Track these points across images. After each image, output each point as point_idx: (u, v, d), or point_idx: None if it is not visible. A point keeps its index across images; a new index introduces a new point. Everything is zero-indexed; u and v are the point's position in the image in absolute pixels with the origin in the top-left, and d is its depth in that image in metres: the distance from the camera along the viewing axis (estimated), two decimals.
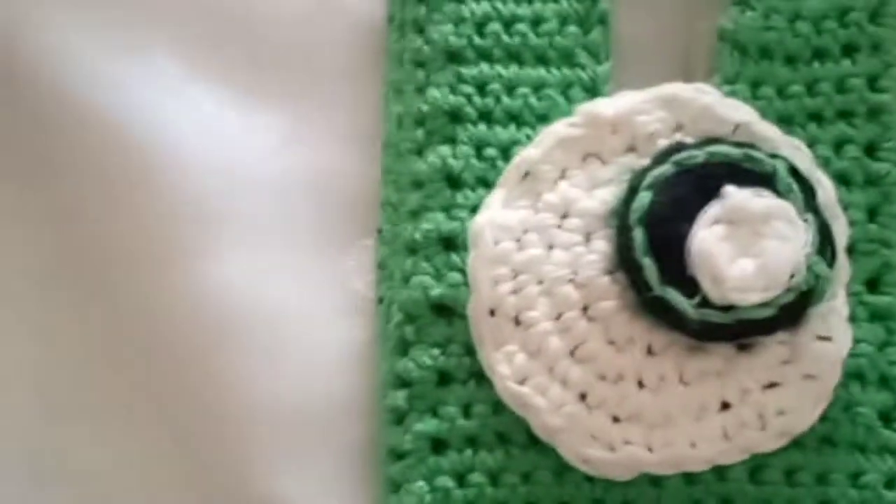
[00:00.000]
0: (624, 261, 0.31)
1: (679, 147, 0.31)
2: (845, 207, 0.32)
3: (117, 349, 0.33)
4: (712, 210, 0.30)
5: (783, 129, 0.32)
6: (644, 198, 0.31)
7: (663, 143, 0.32)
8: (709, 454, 0.31)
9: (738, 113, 0.32)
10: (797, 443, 0.31)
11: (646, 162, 0.32)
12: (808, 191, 0.31)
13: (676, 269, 0.30)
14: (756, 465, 0.31)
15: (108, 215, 0.33)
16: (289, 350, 0.33)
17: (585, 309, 0.31)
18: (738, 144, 0.31)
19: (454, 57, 0.33)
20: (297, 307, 0.33)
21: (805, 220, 0.30)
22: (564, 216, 0.32)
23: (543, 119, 0.33)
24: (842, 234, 0.32)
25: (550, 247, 0.32)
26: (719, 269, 0.30)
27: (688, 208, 0.30)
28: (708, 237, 0.30)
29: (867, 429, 0.31)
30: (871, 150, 0.33)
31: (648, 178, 0.31)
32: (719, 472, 0.31)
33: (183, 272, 0.33)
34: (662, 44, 0.35)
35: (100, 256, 0.33)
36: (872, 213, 0.33)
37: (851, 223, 0.32)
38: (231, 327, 0.33)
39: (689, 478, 0.31)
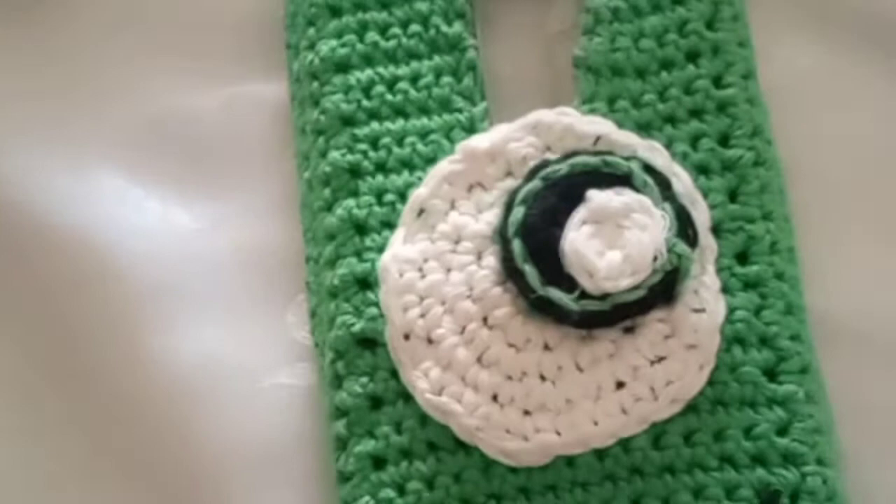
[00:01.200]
0: (509, 270, 0.34)
1: (545, 163, 0.35)
2: (706, 193, 0.36)
3: (90, 419, 0.37)
4: (579, 214, 0.34)
5: (643, 135, 0.37)
6: (518, 212, 0.34)
7: (533, 163, 0.36)
8: (611, 429, 0.34)
9: (596, 127, 0.36)
10: (691, 407, 0.34)
11: (520, 182, 0.36)
12: (663, 183, 0.35)
13: (554, 270, 0.34)
14: (657, 434, 0.34)
15: (74, 304, 0.37)
16: (245, 399, 0.37)
17: (485, 319, 0.35)
18: (597, 153, 0.35)
19: (347, 121, 0.38)
20: (250, 361, 0.37)
21: (662, 209, 0.34)
22: (457, 241, 0.36)
23: (431, 161, 0.37)
24: (703, 217, 0.35)
25: (448, 270, 0.35)
26: (591, 263, 0.33)
27: (558, 216, 0.34)
28: (577, 237, 0.34)
29: (754, 385, 0.34)
30: (724, 140, 0.37)
31: (521, 195, 0.35)
32: (624, 444, 0.34)
33: (144, 346, 0.37)
34: (529, 79, 0.39)
35: (69, 338, 0.37)
36: (733, 195, 0.36)
37: (714, 206, 0.36)
38: (192, 387, 0.36)
39: (599, 454, 0.34)
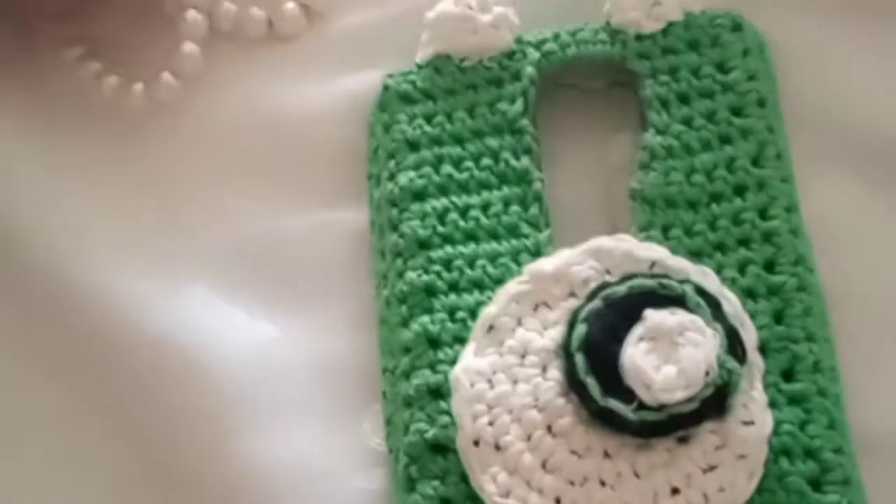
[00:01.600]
0: (572, 383, 0.36)
1: (605, 285, 0.37)
2: (753, 316, 0.38)
3: None
4: (637, 331, 0.36)
5: (695, 261, 0.39)
6: (581, 329, 0.36)
7: (594, 285, 0.39)
8: None
9: (652, 252, 0.39)
10: None
11: (582, 302, 0.39)
12: (714, 305, 0.36)
13: (614, 383, 0.35)
14: None
15: (169, 407, 0.39)
16: (323, 503, 0.38)
17: (549, 428, 0.36)
18: (653, 276, 0.38)
19: (423, 244, 0.40)
20: (326, 466, 0.39)
21: (714, 329, 0.36)
22: (524, 356, 0.37)
23: (500, 282, 0.39)
24: (751, 336, 0.38)
25: (515, 382, 0.37)
26: (648, 376, 0.35)
27: (617, 332, 0.36)
28: (636, 353, 0.35)
29: (799, 494, 0.36)
30: (769, 267, 0.39)
31: (583, 313, 0.36)
32: None
33: (228, 450, 0.38)
34: (590, 208, 0.42)
35: (155, 442, 0.39)
36: (778, 318, 0.38)
37: (761, 327, 0.38)
38: (273, 492, 0.38)
39: None
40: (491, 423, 0.37)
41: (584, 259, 0.39)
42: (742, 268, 0.39)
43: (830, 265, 0.39)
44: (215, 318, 0.40)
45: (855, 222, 0.40)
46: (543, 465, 0.36)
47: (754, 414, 0.36)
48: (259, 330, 0.40)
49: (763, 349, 0.37)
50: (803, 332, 0.38)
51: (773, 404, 0.37)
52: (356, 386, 0.40)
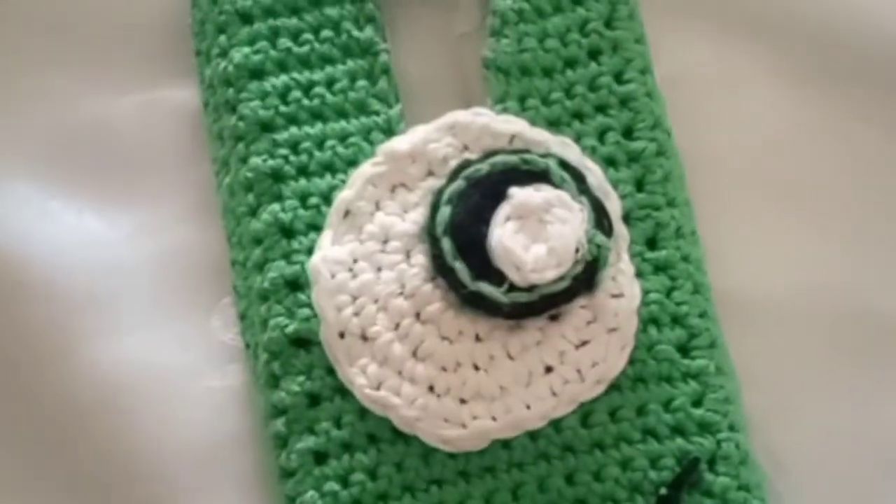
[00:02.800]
0: (439, 268, 0.36)
1: (466, 164, 0.37)
2: (615, 185, 0.39)
3: (26, 435, 0.38)
4: (503, 211, 0.36)
5: (552, 131, 0.39)
6: (445, 212, 0.36)
7: (454, 162, 0.38)
8: (542, 411, 0.36)
9: (511, 126, 0.38)
10: (615, 386, 0.37)
11: (442, 182, 0.38)
12: (578, 178, 0.37)
13: (483, 265, 0.36)
14: (585, 413, 0.36)
15: (4, 319, 0.38)
16: (179, 403, 0.38)
17: (418, 315, 0.37)
18: (515, 151, 0.38)
19: (266, 126, 0.39)
20: (178, 366, 0.38)
21: (580, 203, 0.36)
22: (385, 241, 0.37)
23: (353, 163, 0.38)
24: (615, 207, 0.38)
25: (379, 269, 0.37)
26: (517, 257, 0.35)
27: (483, 213, 0.36)
28: (504, 233, 0.36)
29: (669, 362, 0.37)
30: (628, 133, 0.39)
31: (446, 195, 0.36)
32: (555, 425, 0.36)
33: (73, 357, 0.38)
34: (441, 80, 0.41)
35: (3, 356, 0.38)
36: (639, 185, 0.39)
37: (623, 196, 0.38)
38: (124, 395, 0.38)
39: (532, 435, 0.36)
40: (356, 314, 0.37)
41: (441, 135, 0.38)
42: (601, 135, 0.39)
43: (684, 126, 0.40)
44: (44, 223, 0.39)
45: (706, 81, 0.41)
46: (414, 354, 0.37)
47: (623, 286, 0.37)
48: (90, 229, 0.39)
49: (626, 218, 0.38)
50: (664, 198, 0.39)
51: (639, 274, 0.38)
52: (203, 281, 0.40)
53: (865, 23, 0.40)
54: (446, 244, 0.36)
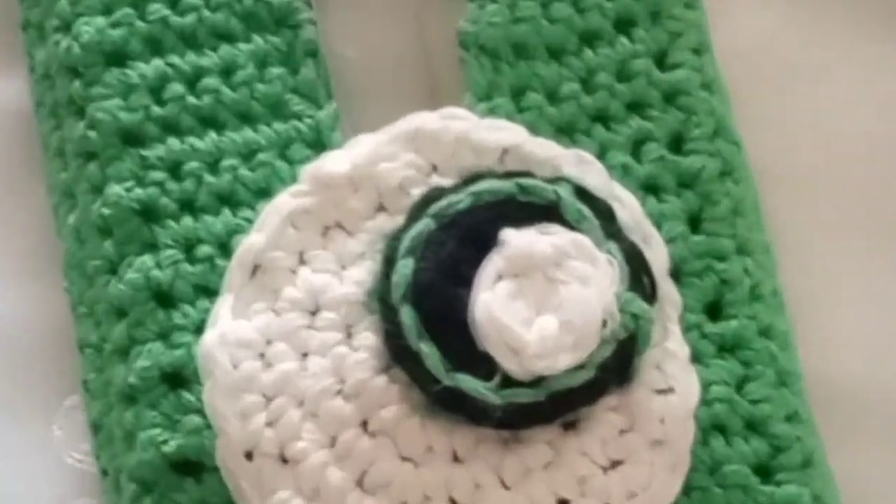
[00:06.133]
0: (397, 351, 0.36)
1: (437, 194, 0.37)
2: (659, 223, 0.39)
3: None
4: (491, 264, 0.36)
5: (563, 143, 0.39)
6: (405, 267, 0.36)
7: (417, 192, 0.38)
8: None
9: (501, 135, 0.38)
10: None
11: (400, 221, 0.37)
12: (604, 213, 0.37)
13: (463, 347, 0.36)
14: None
15: None
16: None
17: (365, 424, 0.37)
18: (508, 175, 0.38)
19: (131, 137, 0.39)
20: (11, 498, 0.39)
21: (608, 251, 0.37)
22: (315, 312, 0.37)
23: (262, 194, 0.39)
24: (660, 256, 0.38)
25: (305, 354, 0.37)
26: (514, 335, 0.35)
27: (461, 268, 0.36)
28: (492, 299, 0.36)
29: (743, 489, 0.38)
30: (676, 143, 0.40)
31: (406, 241, 0.37)
32: None
33: None
34: (395, 65, 0.42)
35: None
36: (695, 222, 0.39)
37: (670, 240, 0.39)
38: None
39: None
40: (271, 424, 0.37)
41: (397, 150, 0.38)
42: (636, 148, 0.40)
43: (750, 124, 0.42)
44: None
45: (788, 58, 0.43)
46: (360, 483, 0.37)
47: (672, 376, 0.38)
48: None
49: (677, 274, 0.39)
50: (733, 241, 0.40)
51: (696, 358, 0.38)
52: (38, 372, 0.41)
53: None
54: (407, 315, 0.36)
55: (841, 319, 0.41)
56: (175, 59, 0.40)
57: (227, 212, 0.39)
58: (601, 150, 0.40)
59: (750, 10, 0.43)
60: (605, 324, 0.36)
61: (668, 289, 0.38)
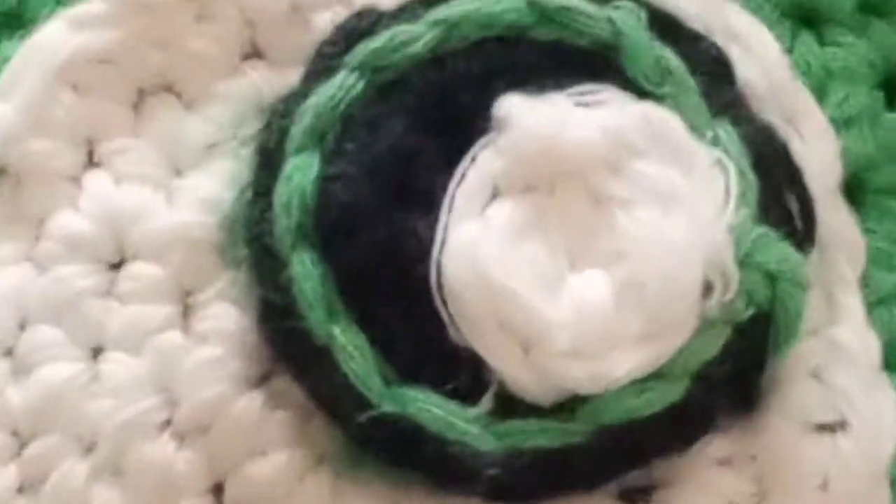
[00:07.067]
0: (285, 345, 0.29)
1: (368, 24, 0.31)
2: (822, 88, 0.33)
3: None
4: (476, 168, 0.29)
5: None
6: (302, 171, 0.29)
7: (327, 18, 0.32)
8: None
9: None
10: None
11: (292, 77, 0.32)
12: (711, 66, 0.30)
13: (418, 336, 0.29)
14: None
15: None
16: None
17: (218, 490, 0.31)
18: None
19: None
20: None
21: (716, 143, 0.30)
22: (117, 264, 0.32)
23: (13, 19, 0.34)
24: (823, 155, 0.31)
25: (96, 350, 0.31)
26: (524, 310, 0.28)
27: (417, 175, 0.29)
28: (480, 238, 0.29)
29: None
30: None
31: (305, 119, 0.29)
32: None
33: None
34: None
35: None
36: (893, 87, 0.34)
37: (845, 122, 0.33)
38: None
39: None
40: (21, 490, 0.32)
41: None
42: None
43: None
44: None
45: None
46: None
47: (845, 397, 0.31)
48: None
49: (856, 192, 0.32)
50: None
51: (892, 360, 0.32)
52: None
53: None
54: (306, 274, 0.29)
55: None
56: None
57: None
58: None
59: None
60: (707, 290, 0.28)
61: (838, 223, 0.31)
